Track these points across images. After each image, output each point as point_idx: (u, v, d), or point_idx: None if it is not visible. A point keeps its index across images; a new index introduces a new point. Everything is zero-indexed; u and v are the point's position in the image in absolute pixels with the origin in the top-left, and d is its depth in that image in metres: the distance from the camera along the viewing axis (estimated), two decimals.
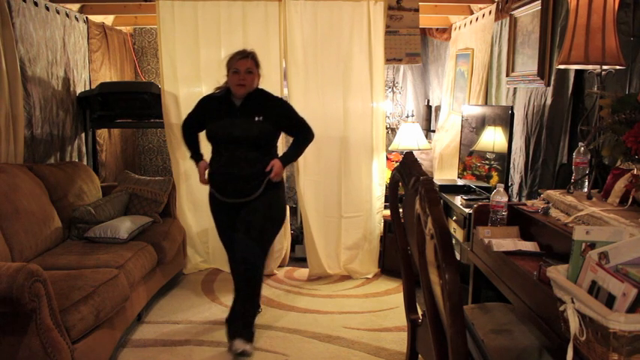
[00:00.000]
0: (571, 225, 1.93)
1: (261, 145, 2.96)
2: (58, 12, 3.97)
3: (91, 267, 2.84)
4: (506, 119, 3.37)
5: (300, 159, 4.18)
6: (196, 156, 3.15)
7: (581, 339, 1.25)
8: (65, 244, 3.29)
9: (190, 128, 3.17)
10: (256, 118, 2.92)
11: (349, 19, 4.02)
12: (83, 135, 4.38)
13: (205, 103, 3.11)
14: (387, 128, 4.87)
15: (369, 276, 4.17)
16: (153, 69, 5.39)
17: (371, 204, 4.19)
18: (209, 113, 3.02)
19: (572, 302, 1.27)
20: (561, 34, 2.98)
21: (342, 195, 4.17)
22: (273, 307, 3.56)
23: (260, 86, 3.07)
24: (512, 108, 3.37)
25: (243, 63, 2.91)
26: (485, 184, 3.49)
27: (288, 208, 4.37)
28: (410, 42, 4.15)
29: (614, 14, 2.13)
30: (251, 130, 2.91)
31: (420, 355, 2.11)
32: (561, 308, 1.31)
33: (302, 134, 3.13)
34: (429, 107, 5.31)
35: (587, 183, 2.27)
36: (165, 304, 3.58)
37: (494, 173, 3.51)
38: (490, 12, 4.01)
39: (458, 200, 3.29)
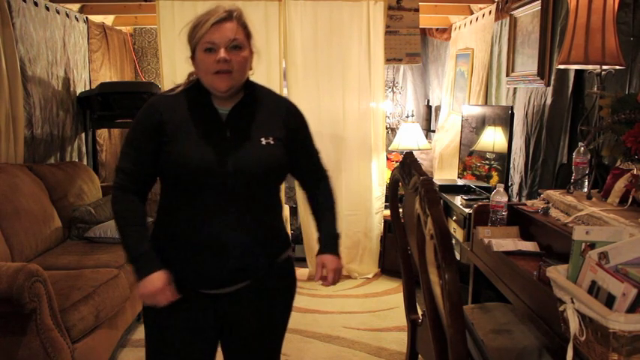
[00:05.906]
0: (571, 225, 1.93)
1: (270, 188, 1.62)
2: (58, 12, 3.97)
3: (91, 267, 2.84)
4: (506, 119, 3.37)
5: None
6: (148, 254, 1.57)
7: (580, 339, 1.25)
8: (65, 244, 3.29)
9: (136, 184, 1.64)
10: (264, 140, 1.55)
11: (349, 19, 4.02)
12: (83, 135, 4.38)
13: (159, 114, 1.57)
14: (387, 128, 4.87)
15: (369, 276, 4.17)
16: (153, 69, 5.39)
17: (371, 203, 4.19)
18: (170, 130, 1.53)
19: (572, 302, 1.27)
20: (561, 34, 2.98)
21: (341, 194, 4.16)
22: None
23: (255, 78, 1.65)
24: (512, 108, 3.37)
25: (224, 31, 1.47)
26: (485, 184, 3.48)
27: (288, 208, 4.38)
28: (410, 42, 4.15)
29: (614, 14, 2.13)
30: (257, 160, 1.53)
31: (420, 355, 2.12)
32: (561, 308, 1.31)
33: (323, 179, 1.84)
34: (429, 107, 5.31)
35: (587, 183, 2.27)
36: None
37: (494, 173, 3.51)
38: (490, 12, 4.01)
39: (458, 200, 3.29)
